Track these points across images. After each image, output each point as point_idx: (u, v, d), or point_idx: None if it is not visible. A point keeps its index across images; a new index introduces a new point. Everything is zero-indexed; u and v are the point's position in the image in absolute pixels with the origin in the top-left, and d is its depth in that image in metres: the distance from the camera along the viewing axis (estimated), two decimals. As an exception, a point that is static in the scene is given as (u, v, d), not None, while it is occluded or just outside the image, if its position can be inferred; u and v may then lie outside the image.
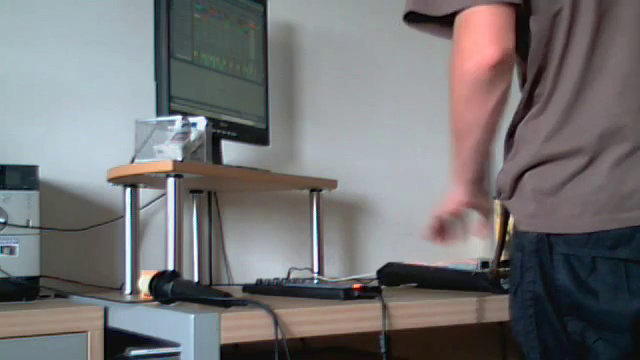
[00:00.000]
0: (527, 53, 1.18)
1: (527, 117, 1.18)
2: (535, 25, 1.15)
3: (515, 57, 1.15)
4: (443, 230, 1.41)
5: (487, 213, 1.39)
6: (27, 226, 1.59)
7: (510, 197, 1.19)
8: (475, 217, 1.41)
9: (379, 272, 1.79)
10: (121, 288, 1.76)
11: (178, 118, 1.61)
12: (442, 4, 1.15)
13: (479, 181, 1.31)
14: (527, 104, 1.19)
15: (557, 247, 1.11)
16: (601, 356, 1.10)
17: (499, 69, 1.12)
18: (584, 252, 1.09)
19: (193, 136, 1.62)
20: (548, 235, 1.12)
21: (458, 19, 1.14)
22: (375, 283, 1.69)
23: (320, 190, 2.04)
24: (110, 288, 1.84)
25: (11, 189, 1.58)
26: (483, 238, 1.44)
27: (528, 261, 1.15)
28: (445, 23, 1.16)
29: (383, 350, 1.32)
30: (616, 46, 1.11)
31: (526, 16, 1.15)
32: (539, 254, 1.13)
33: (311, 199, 2.04)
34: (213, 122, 1.76)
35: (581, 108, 1.12)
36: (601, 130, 1.10)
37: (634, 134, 1.09)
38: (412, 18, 1.22)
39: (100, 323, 1.43)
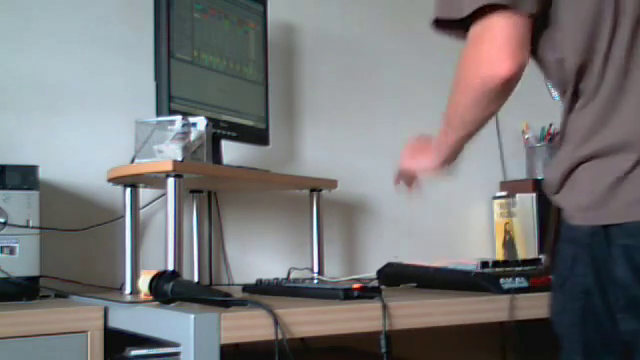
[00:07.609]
0: (555, 49, 1.17)
1: (575, 110, 1.16)
2: (571, 20, 1.13)
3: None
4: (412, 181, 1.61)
5: (442, 175, 1.50)
6: (27, 226, 1.59)
7: (558, 191, 1.17)
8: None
9: (379, 272, 1.79)
10: (121, 288, 1.76)
11: (178, 118, 1.61)
12: (463, 6, 1.14)
13: (451, 162, 1.44)
14: (573, 98, 1.17)
15: (616, 239, 1.07)
16: None
17: (510, 84, 1.13)
18: None
19: (193, 136, 1.62)
20: (605, 227, 1.08)
21: (479, 25, 1.13)
22: (375, 283, 1.69)
23: (320, 190, 2.04)
24: (110, 288, 1.84)
25: (11, 189, 1.58)
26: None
27: (580, 254, 1.12)
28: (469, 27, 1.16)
29: (383, 350, 1.32)
30: None
31: (546, 15, 1.14)
32: (593, 247, 1.10)
33: (311, 199, 2.04)
34: (213, 122, 1.76)
35: (627, 99, 1.10)
36: None
37: None
38: (440, 24, 1.22)
39: (100, 323, 1.43)
